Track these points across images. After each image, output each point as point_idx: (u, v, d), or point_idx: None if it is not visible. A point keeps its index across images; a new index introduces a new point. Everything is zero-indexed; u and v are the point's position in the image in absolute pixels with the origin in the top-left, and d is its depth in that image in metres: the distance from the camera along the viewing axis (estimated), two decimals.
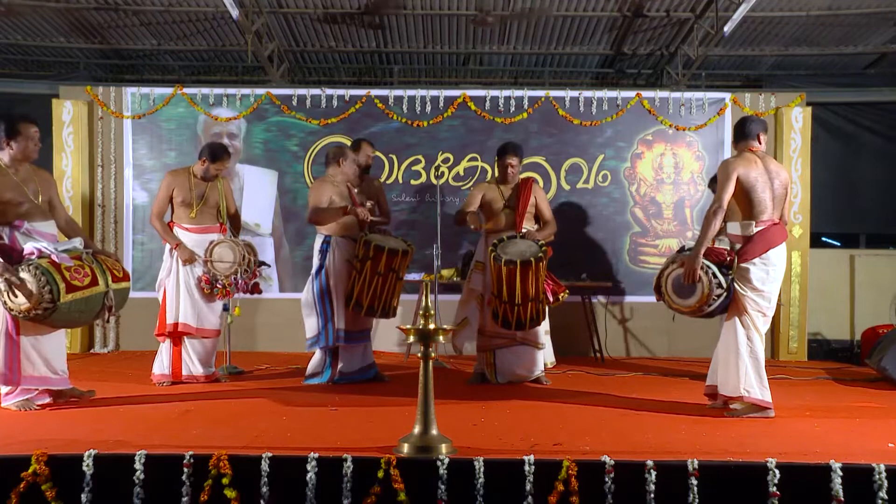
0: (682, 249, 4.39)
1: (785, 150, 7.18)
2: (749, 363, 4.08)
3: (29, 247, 4.13)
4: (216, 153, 5.28)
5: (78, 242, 4.35)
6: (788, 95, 7.41)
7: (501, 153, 5.40)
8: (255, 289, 5.45)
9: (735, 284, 4.09)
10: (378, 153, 6.73)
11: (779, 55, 7.93)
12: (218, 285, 5.20)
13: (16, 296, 3.97)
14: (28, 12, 6.99)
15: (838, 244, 8.49)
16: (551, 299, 5.19)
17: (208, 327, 5.29)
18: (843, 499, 2.92)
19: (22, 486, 2.95)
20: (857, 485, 2.95)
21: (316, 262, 5.32)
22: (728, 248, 4.18)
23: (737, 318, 4.12)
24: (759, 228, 4.12)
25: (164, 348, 5.28)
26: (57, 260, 4.07)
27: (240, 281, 5.24)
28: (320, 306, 5.19)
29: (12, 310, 4.04)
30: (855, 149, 8.14)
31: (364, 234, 5.19)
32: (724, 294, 4.04)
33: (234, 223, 5.55)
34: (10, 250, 4.14)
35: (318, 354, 5.31)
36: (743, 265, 4.10)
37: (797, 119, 7.20)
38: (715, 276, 4.01)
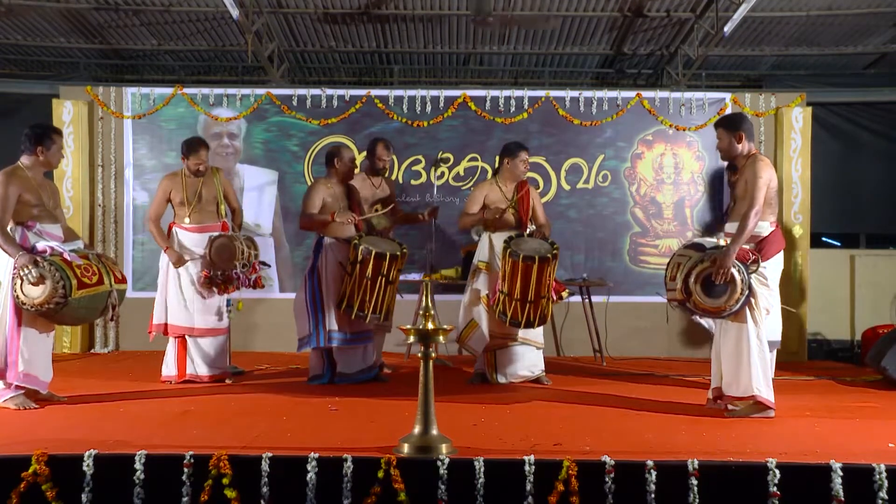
0: (698, 246, 4.25)
1: (785, 150, 7.18)
2: (759, 362, 4.06)
3: (42, 245, 4.30)
4: (190, 147, 5.30)
5: (80, 244, 4.57)
6: (788, 95, 7.41)
7: (515, 150, 5.36)
8: (258, 283, 5.42)
9: (753, 282, 4.08)
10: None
11: (779, 55, 7.94)
12: (218, 280, 5.20)
13: (36, 286, 4.11)
14: (28, 12, 7.00)
15: (838, 244, 8.50)
16: (554, 298, 5.19)
17: (210, 326, 5.27)
18: (843, 499, 2.92)
19: (22, 486, 2.95)
20: (858, 485, 2.95)
21: (309, 262, 5.34)
22: (749, 247, 4.16)
23: (749, 317, 4.08)
24: (772, 229, 4.20)
25: (170, 349, 5.29)
26: (68, 258, 4.25)
27: (240, 276, 5.22)
28: (311, 307, 5.19)
29: (24, 303, 4.15)
30: (855, 149, 8.14)
31: (356, 236, 5.17)
32: (748, 293, 4.03)
33: (234, 218, 5.55)
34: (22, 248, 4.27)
35: (315, 356, 5.30)
36: (763, 263, 4.12)
37: (797, 119, 7.20)
38: (745, 275, 4.00)
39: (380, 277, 5.05)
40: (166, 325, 5.23)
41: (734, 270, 3.98)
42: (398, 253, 5.12)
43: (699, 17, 6.97)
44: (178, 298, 5.23)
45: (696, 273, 4.04)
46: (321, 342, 5.16)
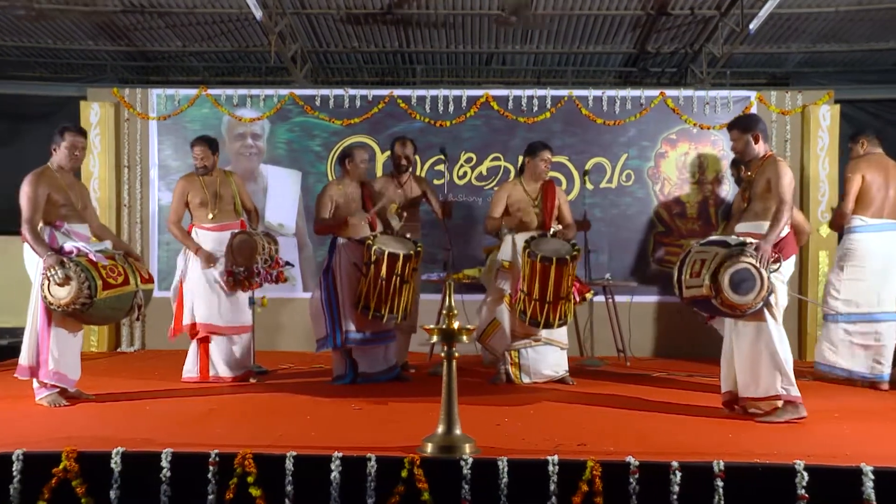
0: (722, 243, 4.13)
1: (812, 148, 7.08)
2: (783, 360, 4.01)
3: (68, 246, 4.36)
4: (192, 142, 5.46)
5: (108, 244, 4.63)
6: (816, 93, 7.30)
7: (536, 150, 5.38)
8: (280, 277, 5.43)
9: (774, 280, 4.04)
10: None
11: (806, 52, 7.82)
12: (241, 276, 5.22)
13: (62, 286, 4.16)
14: (57, 16, 7.10)
15: None
16: (577, 299, 5.17)
17: (236, 324, 5.31)
18: (874, 503, 2.87)
19: (53, 481, 3.01)
20: (889, 488, 2.90)
21: (324, 263, 5.38)
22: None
23: (768, 316, 4.04)
24: (789, 230, 4.16)
25: (192, 350, 5.33)
26: (94, 259, 4.30)
27: (262, 271, 5.25)
28: (327, 308, 5.20)
29: (52, 303, 4.22)
30: (884, 147, 7.98)
31: (371, 237, 5.16)
32: (770, 291, 3.99)
33: (251, 219, 5.58)
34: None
35: (337, 357, 5.32)
36: (783, 262, 4.09)
37: (824, 117, 7.10)
38: (769, 273, 3.96)
39: (394, 277, 5.04)
40: (194, 324, 5.24)
41: (762, 268, 3.94)
42: (412, 252, 5.11)
43: (724, 14, 6.89)
44: (209, 298, 5.26)
45: (725, 269, 3.95)
46: (338, 342, 5.17)
